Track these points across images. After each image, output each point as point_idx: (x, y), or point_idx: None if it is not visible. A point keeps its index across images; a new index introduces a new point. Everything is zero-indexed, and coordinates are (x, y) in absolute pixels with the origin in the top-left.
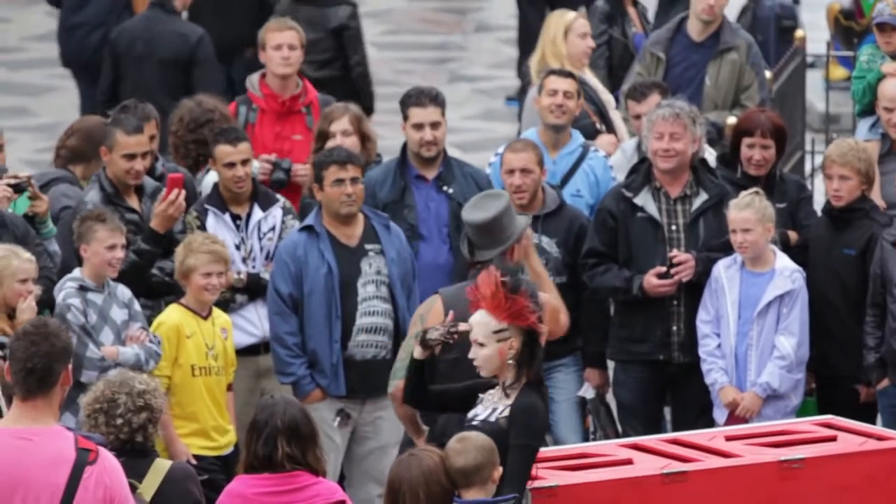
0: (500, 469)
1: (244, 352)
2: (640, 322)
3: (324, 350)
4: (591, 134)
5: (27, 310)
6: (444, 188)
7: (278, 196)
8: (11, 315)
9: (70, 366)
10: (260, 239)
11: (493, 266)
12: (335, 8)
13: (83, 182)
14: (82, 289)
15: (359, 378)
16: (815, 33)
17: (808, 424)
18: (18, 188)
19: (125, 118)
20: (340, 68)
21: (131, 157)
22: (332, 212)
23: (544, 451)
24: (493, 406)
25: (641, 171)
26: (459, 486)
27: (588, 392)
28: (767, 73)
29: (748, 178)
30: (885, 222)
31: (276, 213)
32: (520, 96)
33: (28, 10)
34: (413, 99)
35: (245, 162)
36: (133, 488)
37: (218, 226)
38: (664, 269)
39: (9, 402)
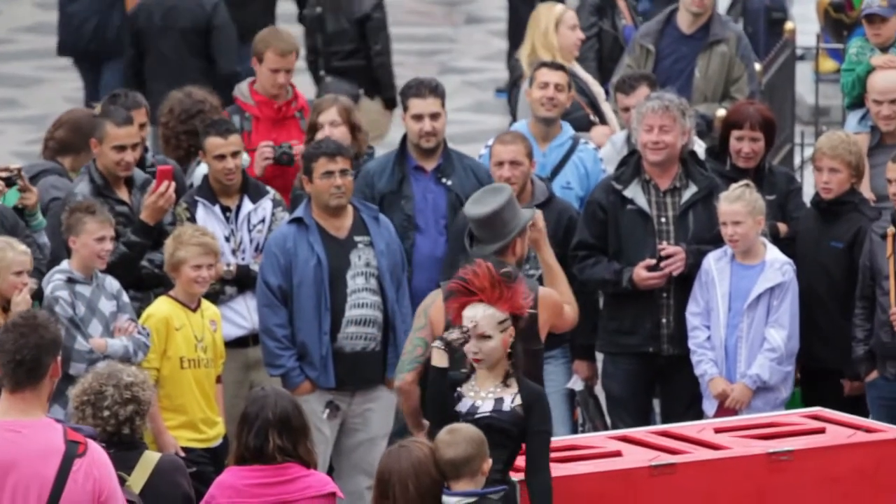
0: (490, 461)
1: (233, 344)
2: (630, 314)
3: (313, 342)
4: (585, 126)
5: (22, 302)
6: (443, 180)
7: (268, 188)
8: (6, 307)
9: (59, 358)
10: (250, 231)
11: (480, 260)
12: None
13: (72, 174)
14: (70, 281)
15: (348, 370)
16: (804, 25)
17: (797, 417)
18: (9, 181)
19: (115, 110)
20: (364, 58)
21: (121, 148)
22: (322, 204)
23: None
24: (493, 396)
25: (631, 164)
26: (449, 478)
27: (577, 384)
28: (757, 66)
29: (737, 170)
30: (874, 216)
31: (265, 205)
32: (509, 88)
33: (17, 2)
34: (413, 90)
35: (235, 154)
36: (122, 481)
37: (208, 217)
38: (654, 261)
39: None
